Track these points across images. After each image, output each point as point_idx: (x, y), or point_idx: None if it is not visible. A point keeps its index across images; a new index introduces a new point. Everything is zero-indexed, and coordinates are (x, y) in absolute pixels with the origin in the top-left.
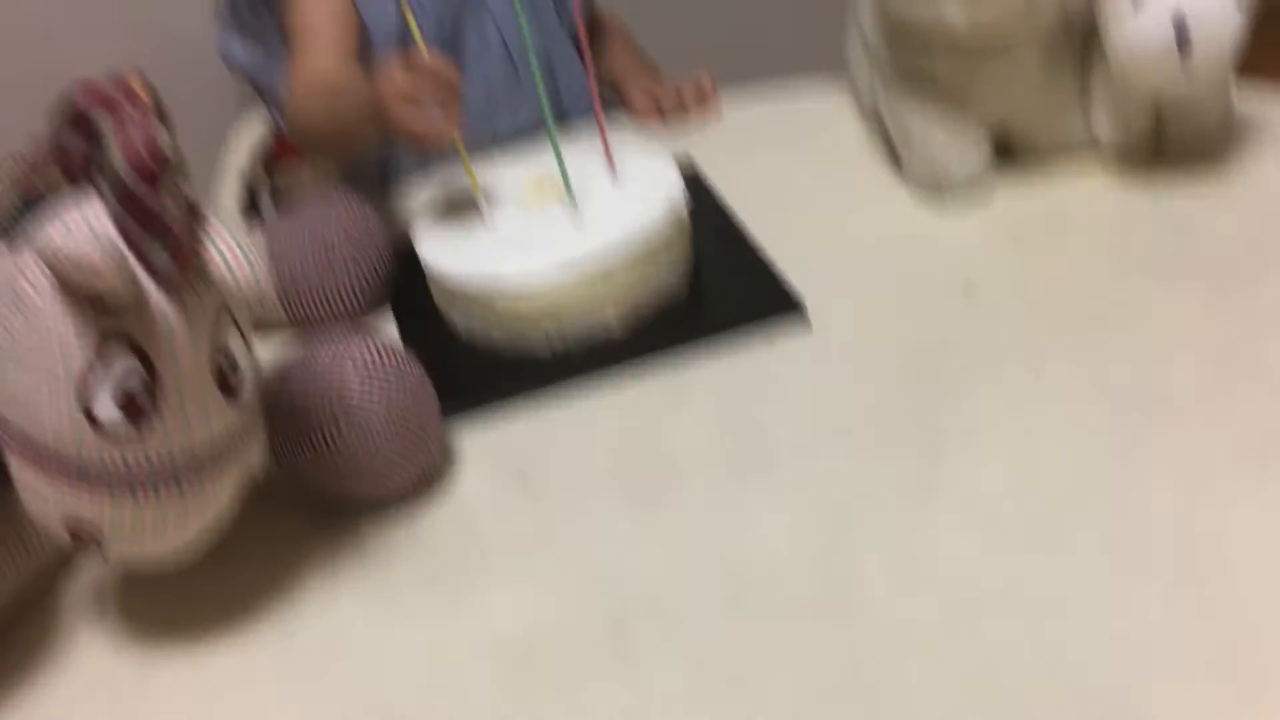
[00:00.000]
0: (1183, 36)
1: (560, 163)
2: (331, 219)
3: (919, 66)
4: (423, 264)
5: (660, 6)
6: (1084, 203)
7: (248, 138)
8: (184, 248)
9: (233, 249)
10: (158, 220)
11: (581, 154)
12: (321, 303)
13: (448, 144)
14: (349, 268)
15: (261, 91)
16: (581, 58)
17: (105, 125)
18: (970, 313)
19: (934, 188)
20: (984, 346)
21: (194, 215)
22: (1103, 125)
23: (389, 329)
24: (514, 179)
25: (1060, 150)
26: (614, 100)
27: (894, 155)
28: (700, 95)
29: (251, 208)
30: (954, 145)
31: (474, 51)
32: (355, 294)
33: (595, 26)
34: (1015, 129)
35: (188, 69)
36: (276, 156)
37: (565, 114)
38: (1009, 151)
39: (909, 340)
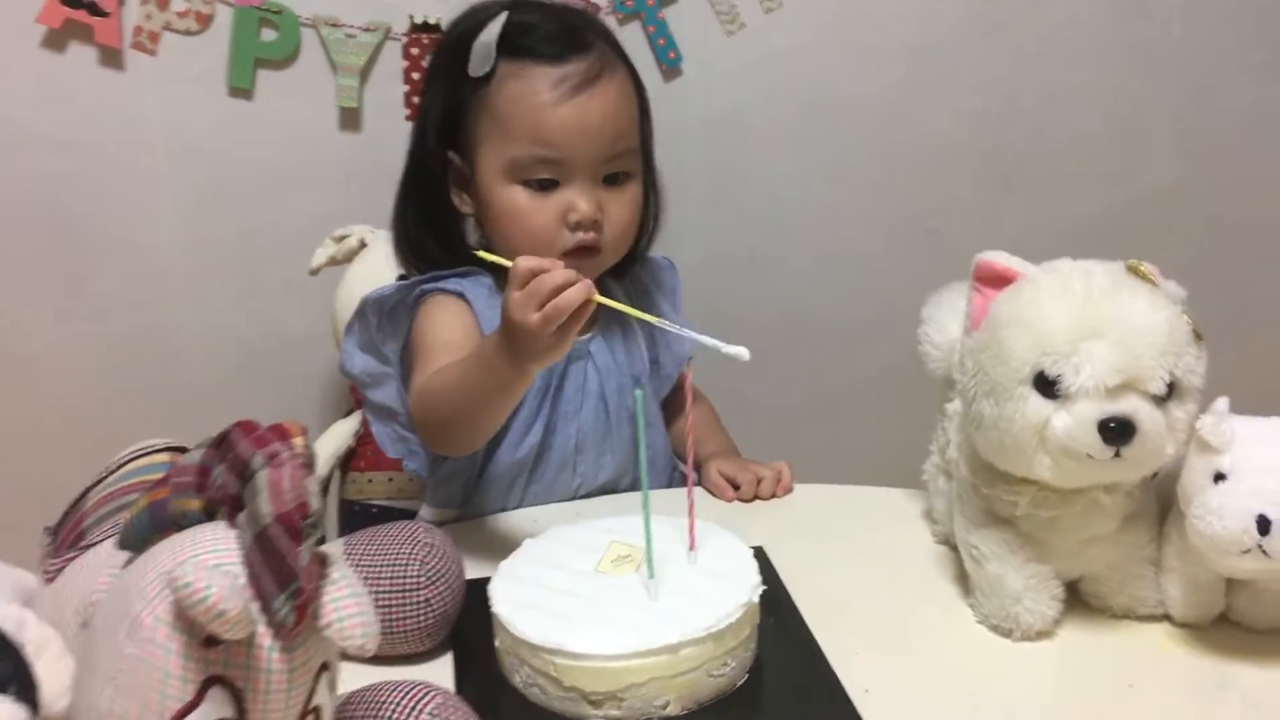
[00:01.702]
0: (1263, 521)
1: (648, 536)
2: (414, 556)
3: (1003, 506)
4: (493, 614)
5: (746, 397)
6: (1151, 667)
7: (332, 445)
8: (307, 602)
9: (350, 607)
10: (290, 573)
11: (663, 525)
12: (387, 641)
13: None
14: (423, 609)
15: (366, 400)
16: (668, 424)
17: (259, 471)
18: None
19: (1003, 631)
20: None
21: (321, 568)
22: (1174, 601)
23: (444, 666)
24: (595, 544)
25: (1130, 616)
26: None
27: (964, 580)
28: (777, 485)
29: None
30: (1028, 595)
31: (570, 399)
32: (425, 636)
33: (683, 401)
34: (1090, 587)
35: (284, 364)
36: (354, 465)
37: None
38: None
39: None
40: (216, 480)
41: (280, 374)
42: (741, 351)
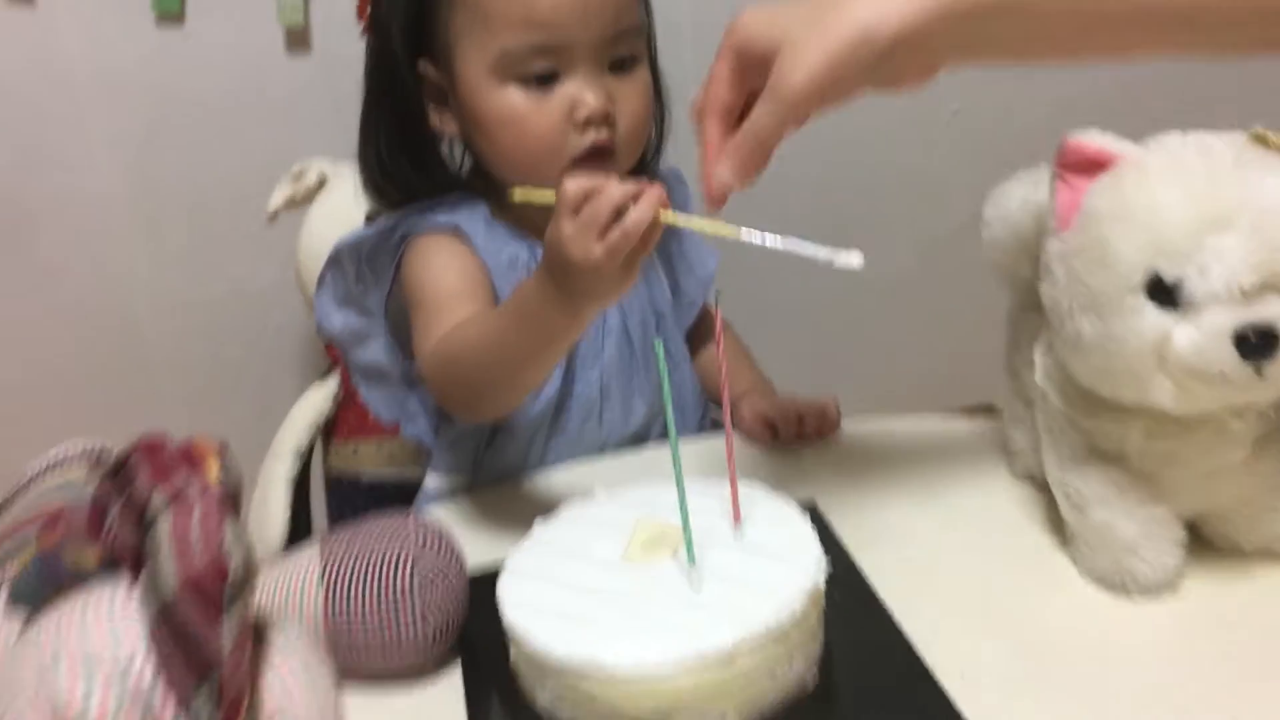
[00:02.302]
0: None
1: (684, 513)
2: (404, 558)
3: (1108, 440)
4: (504, 624)
5: (770, 315)
6: None
7: (310, 413)
8: (237, 697)
9: (298, 689)
10: (207, 661)
11: (698, 495)
12: (379, 657)
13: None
14: (418, 621)
15: (350, 362)
16: (694, 355)
17: (160, 516)
18: None
19: (1116, 588)
20: None
21: (253, 641)
22: None
23: (453, 683)
24: (620, 523)
25: (1269, 555)
26: (717, 415)
27: (1059, 526)
28: (823, 424)
29: (303, 477)
30: (1145, 544)
31: (590, 340)
32: (421, 650)
33: (709, 329)
34: (1217, 526)
35: (251, 322)
36: (336, 434)
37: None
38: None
39: None
40: (111, 526)
41: (248, 334)
42: (854, 258)
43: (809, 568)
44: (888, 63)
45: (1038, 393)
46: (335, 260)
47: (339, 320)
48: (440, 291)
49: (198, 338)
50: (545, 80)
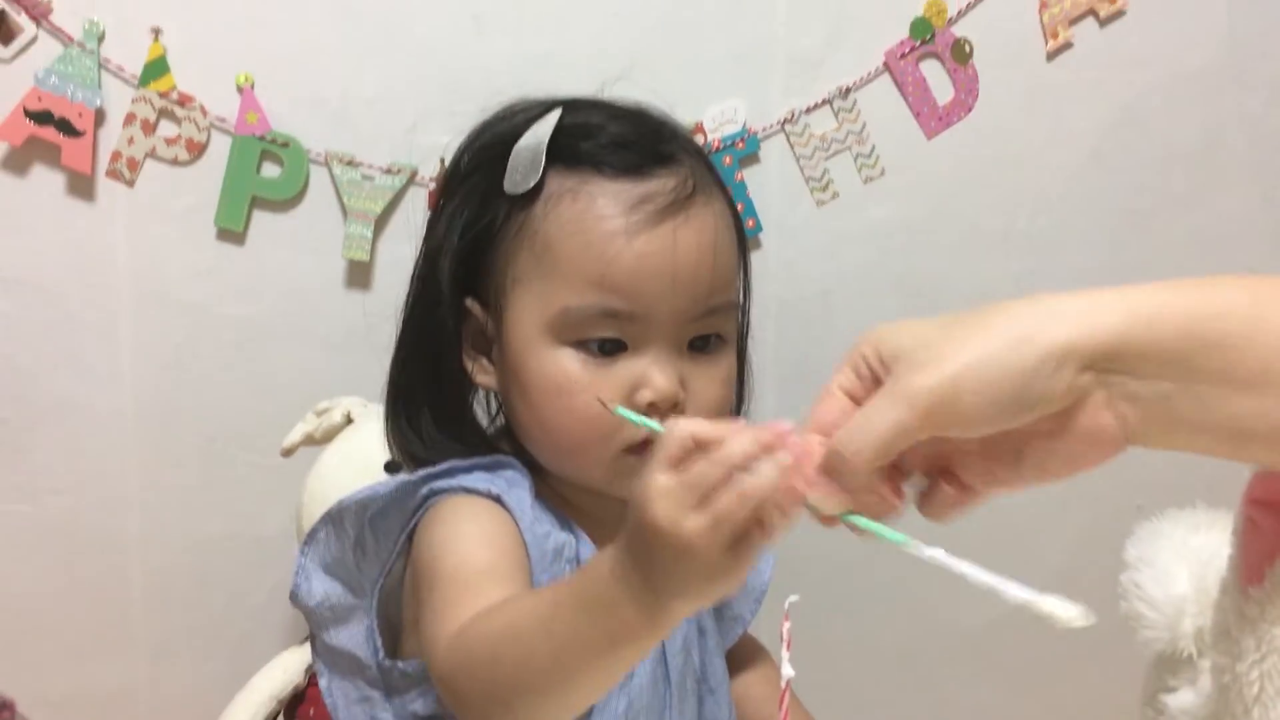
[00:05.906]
0: None
1: None
2: None
3: None
4: None
5: (820, 652)
6: None
7: (275, 681)
8: None
9: None
10: None
11: None
12: None
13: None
14: None
15: (319, 642)
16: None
17: None
18: None
19: None
20: None
21: None
22: None
23: None
24: None
25: None
26: None
27: None
28: None
29: None
30: None
31: None
32: None
33: (749, 649)
34: None
35: (248, 570)
36: (300, 713)
37: None
38: None
39: None
40: None
41: (238, 583)
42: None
43: None
44: (1034, 389)
45: None
46: (335, 518)
47: (320, 590)
48: (469, 566)
49: (188, 582)
50: (608, 349)
